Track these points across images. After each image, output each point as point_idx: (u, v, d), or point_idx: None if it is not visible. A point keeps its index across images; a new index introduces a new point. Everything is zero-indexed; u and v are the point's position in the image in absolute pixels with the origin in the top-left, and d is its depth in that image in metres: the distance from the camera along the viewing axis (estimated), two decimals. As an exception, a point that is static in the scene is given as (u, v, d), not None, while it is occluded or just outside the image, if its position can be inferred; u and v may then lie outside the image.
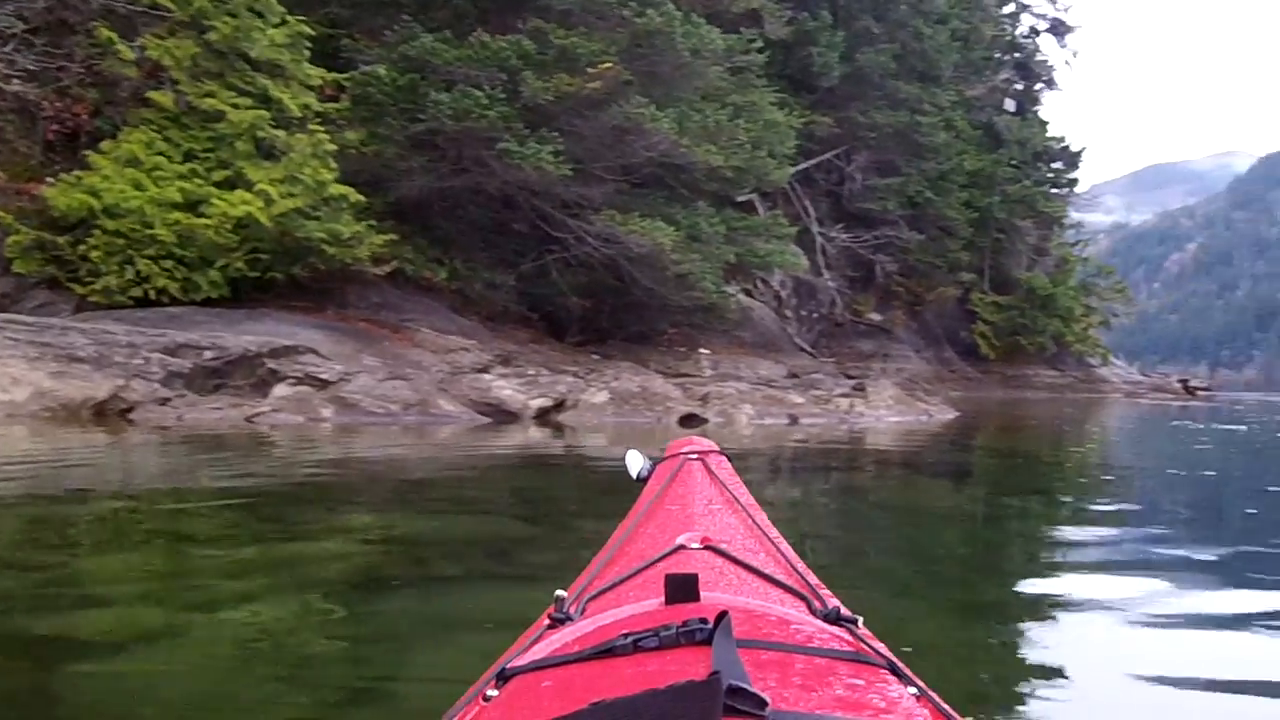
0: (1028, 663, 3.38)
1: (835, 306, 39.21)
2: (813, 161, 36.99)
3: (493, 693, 1.15)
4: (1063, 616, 4.03)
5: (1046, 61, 54.28)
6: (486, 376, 14.76)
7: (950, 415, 19.83)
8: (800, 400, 16.75)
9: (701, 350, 26.36)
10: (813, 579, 1.64)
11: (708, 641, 1.09)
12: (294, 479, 7.72)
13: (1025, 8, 53.98)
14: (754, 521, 1.98)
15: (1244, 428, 20.79)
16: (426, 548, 5.07)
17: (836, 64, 35.14)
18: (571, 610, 1.43)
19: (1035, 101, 54.54)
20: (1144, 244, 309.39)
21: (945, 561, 5.33)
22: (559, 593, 1.47)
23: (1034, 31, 54.13)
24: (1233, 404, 43.34)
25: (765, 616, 1.32)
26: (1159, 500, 8.51)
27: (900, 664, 1.17)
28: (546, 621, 1.41)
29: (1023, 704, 2.90)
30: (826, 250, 38.38)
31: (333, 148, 17.94)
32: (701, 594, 1.34)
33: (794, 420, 15.88)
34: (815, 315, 38.78)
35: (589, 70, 19.78)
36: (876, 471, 10.00)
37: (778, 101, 29.34)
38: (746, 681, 0.90)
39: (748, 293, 33.05)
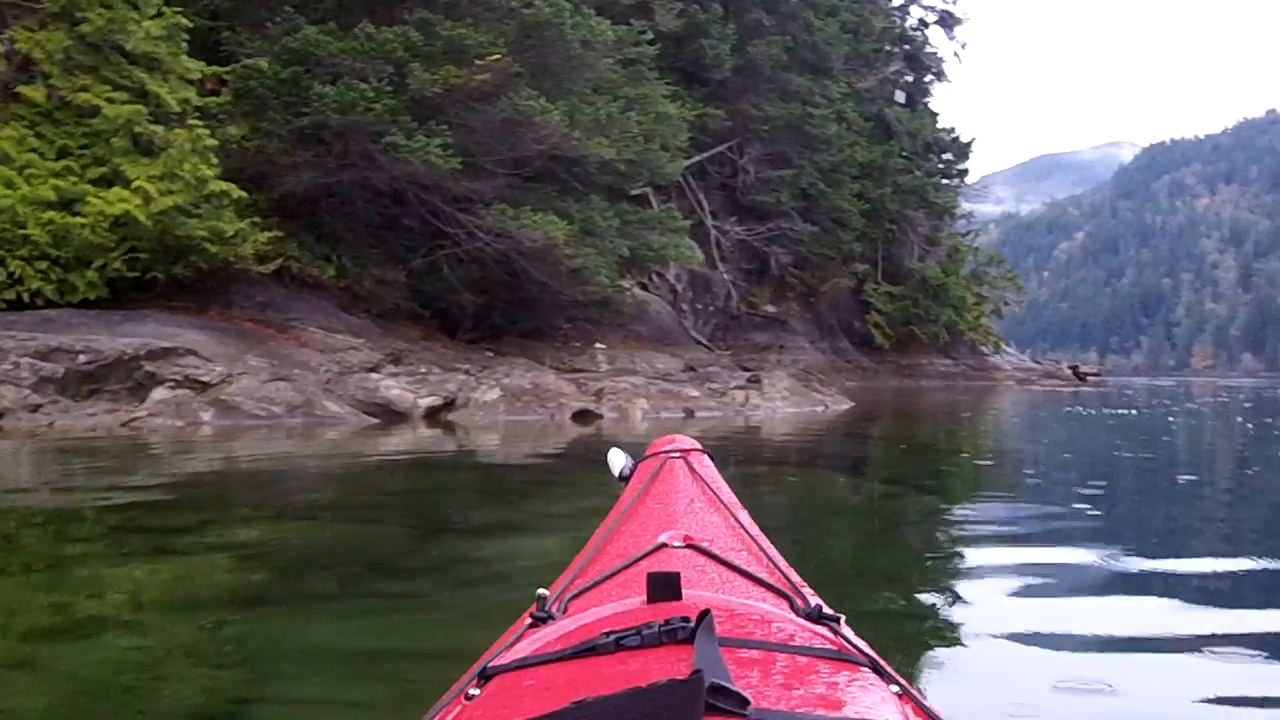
0: (927, 640, 3.50)
1: (731, 299, 39.29)
2: (706, 154, 37.01)
3: (475, 691, 1.14)
4: (962, 594, 4.23)
5: (936, 53, 55.19)
6: (375, 376, 14.40)
7: (845, 406, 19.88)
8: (696, 394, 16.63)
9: (597, 345, 26.16)
10: (795, 577, 1.64)
11: (690, 640, 1.09)
12: (167, 489, 7.35)
13: (914, 0, 54.70)
14: (736, 520, 1.98)
15: (1134, 412, 21.15)
16: (303, 563, 4.79)
17: (728, 56, 35.14)
18: (553, 609, 1.43)
19: (925, 93, 55.32)
20: (1033, 233, 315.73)
21: (836, 560, 5.18)
22: (540, 591, 1.46)
23: (923, 24, 54.96)
24: (1122, 389, 44.19)
25: (747, 615, 1.32)
26: (1053, 485, 8.64)
27: (882, 662, 1.18)
28: (528, 620, 1.42)
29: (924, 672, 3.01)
30: (721, 243, 38.47)
31: (214, 143, 17.38)
32: (684, 592, 1.34)
33: (690, 414, 15.73)
34: (711, 308, 38.83)
35: (477, 62, 19.46)
36: (772, 465, 9.86)
37: (670, 94, 29.26)
38: (729, 680, 0.91)
39: (643, 287, 32.94)
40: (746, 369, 27.11)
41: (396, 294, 22.30)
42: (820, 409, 18.52)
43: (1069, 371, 57.85)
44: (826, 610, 1.38)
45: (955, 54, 74.32)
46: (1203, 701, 2.86)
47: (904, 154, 47.84)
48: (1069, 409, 23.52)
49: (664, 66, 31.49)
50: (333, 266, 20.85)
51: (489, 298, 23.80)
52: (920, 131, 49.88)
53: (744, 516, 2.06)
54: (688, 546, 1.69)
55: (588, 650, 1.15)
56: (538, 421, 13.89)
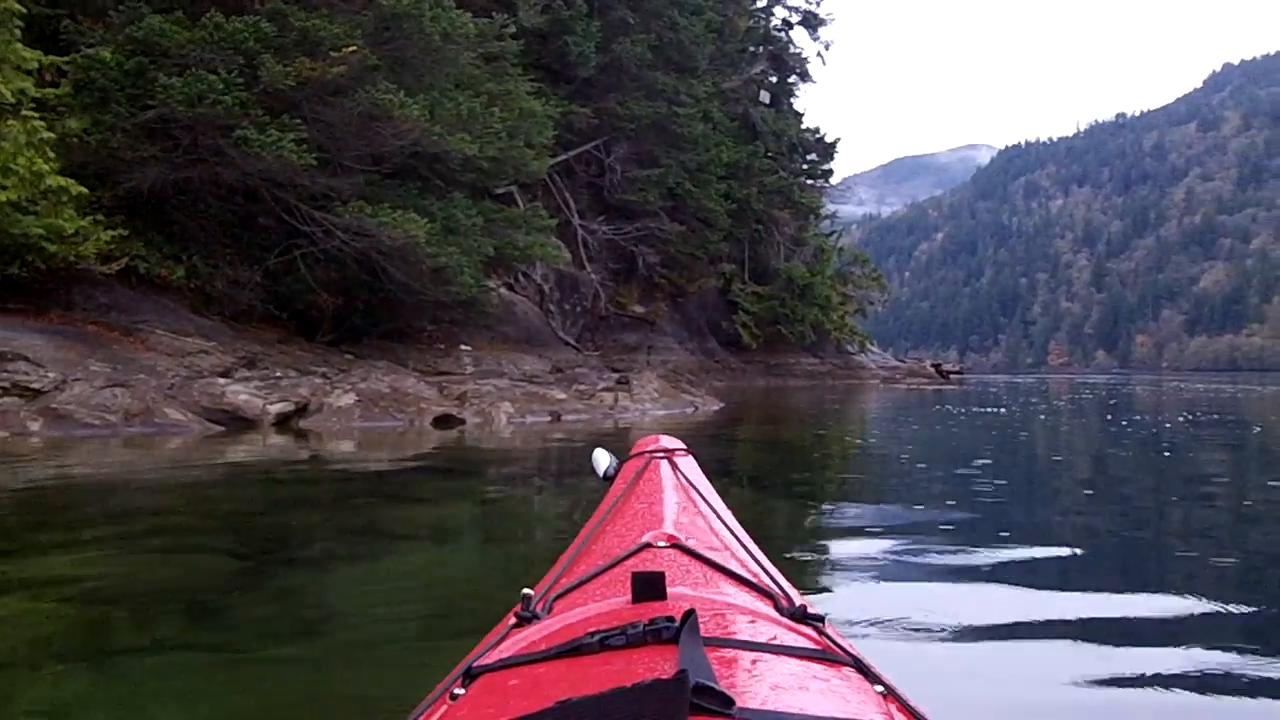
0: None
1: (599, 299, 38.87)
2: (572, 153, 36.56)
3: (460, 691, 1.14)
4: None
5: (800, 54, 55.41)
6: (222, 381, 13.62)
7: (714, 407, 19.61)
8: (562, 396, 16.15)
9: (463, 347, 25.59)
10: (780, 577, 1.63)
11: (675, 640, 1.09)
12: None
13: (778, 1, 54.88)
14: (721, 520, 2.01)
15: (1002, 411, 21.26)
16: (114, 605, 4.04)
17: (593, 54, 34.73)
18: (538, 608, 1.42)
19: (790, 94, 55.55)
20: (894, 234, 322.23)
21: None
22: (526, 591, 1.46)
23: (787, 24, 55.17)
24: (985, 387, 44.96)
25: (732, 615, 1.32)
26: (931, 485, 8.41)
27: (867, 662, 1.19)
28: (513, 620, 1.41)
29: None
30: (588, 243, 38.04)
31: (52, 136, 16.34)
32: (668, 592, 1.34)
33: (556, 417, 15.27)
34: (579, 309, 38.39)
35: (332, 54, 18.72)
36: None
37: (534, 91, 28.78)
38: (713, 680, 0.92)
39: (509, 287, 32.43)
40: (615, 370, 26.78)
41: (251, 295, 21.39)
42: (690, 410, 18.20)
43: (932, 369, 58.81)
44: (811, 610, 1.39)
45: (819, 55, 75.11)
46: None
47: (769, 154, 48.09)
48: (937, 408, 23.62)
49: (528, 63, 30.98)
50: (182, 267, 19.87)
51: (349, 299, 23.04)
52: (785, 132, 50.14)
53: (728, 516, 2.10)
54: (672, 546, 1.69)
55: (572, 650, 1.15)
56: (396, 428, 13.25)
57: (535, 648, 1.22)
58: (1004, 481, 8.71)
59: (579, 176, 38.75)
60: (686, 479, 2.33)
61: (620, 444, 13.05)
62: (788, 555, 4.95)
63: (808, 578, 4.41)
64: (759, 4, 54.09)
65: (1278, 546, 5.84)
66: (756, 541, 1.88)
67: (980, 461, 10.32)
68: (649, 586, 1.34)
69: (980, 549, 5.14)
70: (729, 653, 1.13)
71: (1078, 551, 5.34)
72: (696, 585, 1.49)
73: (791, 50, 54.76)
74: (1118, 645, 3.48)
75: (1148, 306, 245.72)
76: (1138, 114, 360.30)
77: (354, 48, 18.90)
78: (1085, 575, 4.79)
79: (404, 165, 22.18)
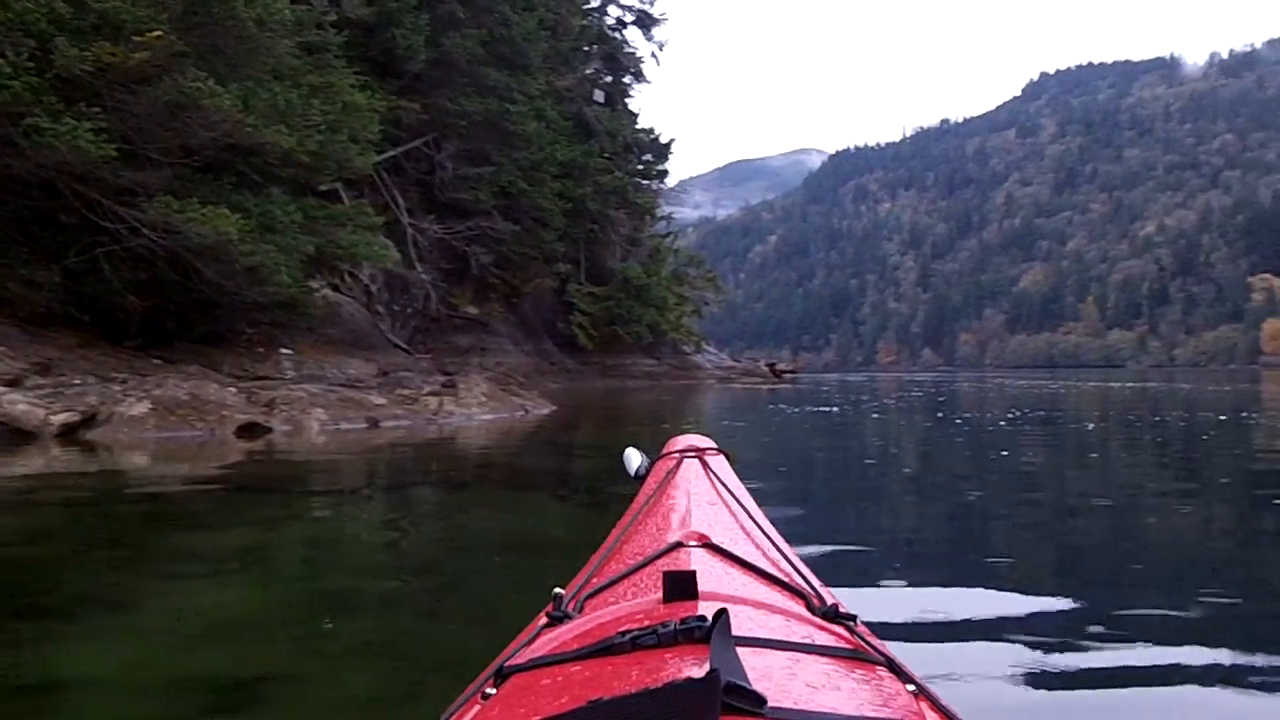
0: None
1: (430, 300, 37.73)
2: (401, 149, 35.45)
3: (491, 691, 1.15)
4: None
5: (634, 53, 55.06)
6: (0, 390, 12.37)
7: (546, 410, 18.87)
8: (382, 401, 15.21)
9: (283, 350, 24.35)
10: (811, 576, 1.62)
11: (706, 639, 1.08)
12: None
13: (612, 0, 54.46)
14: (752, 519, 2.00)
15: (835, 410, 21.04)
16: None
17: (422, 48, 33.74)
18: (569, 608, 1.44)
19: (624, 93, 55.26)
20: (729, 236, 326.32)
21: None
22: (557, 590, 1.47)
23: (621, 24, 54.86)
24: (818, 386, 45.34)
25: (764, 614, 1.32)
26: (769, 487, 7.87)
27: (899, 661, 1.19)
28: (544, 619, 1.42)
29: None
30: (419, 242, 36.91)
31: None
32: (700, 591, 1.35)
33: (374, 424, 14.32)
34: (409, 310, 37.25)
35: (135, 39, 17.46)
36: (476, 482, 8.70)
37: (360, 84, 27.76)
38: (745, 679, 0.91)
39: (335, 287, 31.19)
40: (447, 373, 25.84)
41: (49, 297, 19.83)
42: (520, 414, 17.42)
43: (767, 369, 59.28)
44: (843, 609, 1.39)
45: (653, 54, 74.33)
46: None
47: (604, 154, 47.65)
48: (771, 406, 23.34)
49: (354, 56, 29.96)
50: (-31, 266, 18.37)
51: (159, 300, 21.60)
52: (620, 131, 49.78)
53: (759, 515, 2.09)
54: (703, 546, 1.69)
55: (604, 649, 1.15)
56: (196, 438, 12.14)
57: (566, 647, 1.22)
58: (839, 480, 8.29)
59: (408, 174, 37.59)
60: (717, 478, 2.35)
61: (444, 450, 12.32)
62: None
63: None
64: (593, 3, 53.65)
65: (1098, 538, 5.94)
66: (789, 541, 1.86)
67: (817, 460, 9.87)
68: (680, 586, 1.34)
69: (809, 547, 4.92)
70: (761, 652, 1.12)
71: (903, 545, 5.53)
72: (728, 585, 1.48)
73: (626, 50, 54.48)
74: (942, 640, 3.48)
75: (971, 306, 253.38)
76: (961, 120, 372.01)
77: (159, 33, 17.66)
78: (912, 569, 4.84)
79: (217, 159, 20.90)
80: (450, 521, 6.53)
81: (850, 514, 6.94)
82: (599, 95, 50.13)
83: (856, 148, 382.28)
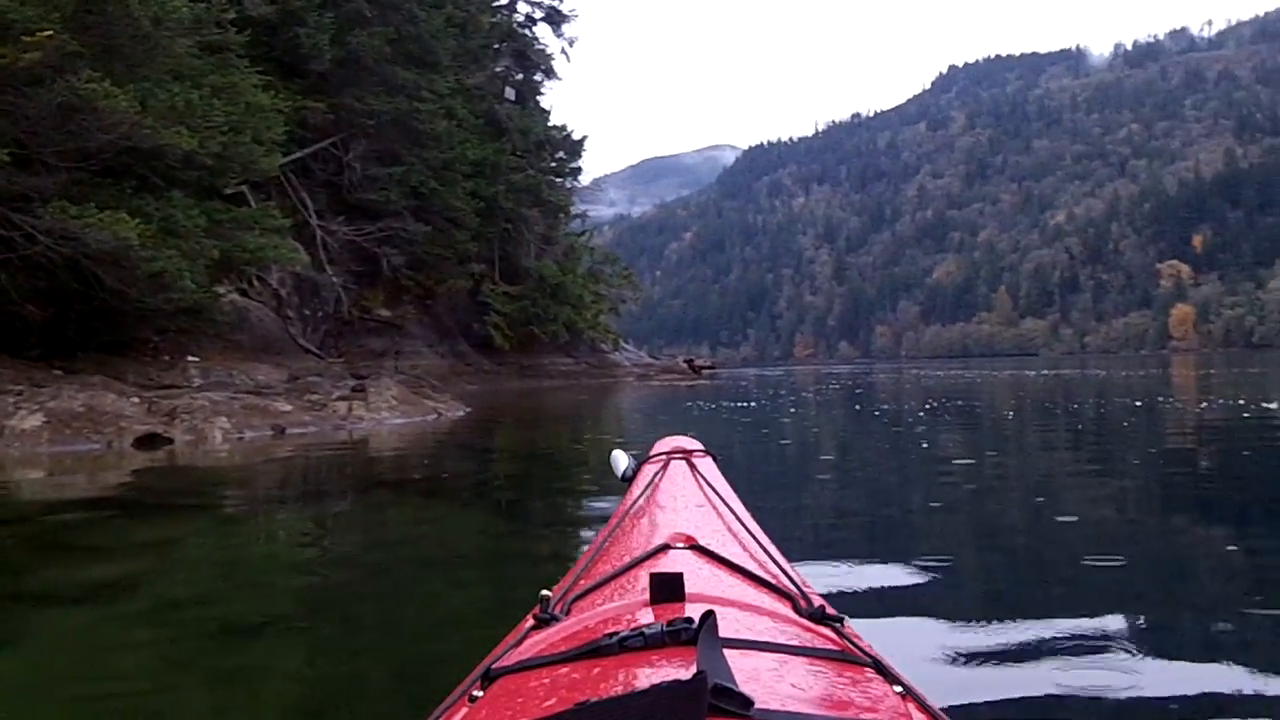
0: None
1: (342, 303, 37.07)
2: (308, 150, 34.85)
3: (478, 693, 1.14)
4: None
5: (544, 50, 54.59)
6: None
7: (460, 412, 18.54)
8: (288, 408, 14.78)
9: (190, 358, 23.81)
10: (798, 578, 1.61)
11: (693, 641, 1.09)
12: None
13: (521, -4, 53.94)
14: (739, 520, 1.98)
15: (752, 404, 20.94)
16: None
17: (327, 47, 33.17)
18: (557, 610, 1.43)
19: (536, 91, 54.77)
20: (645, 234, 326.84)
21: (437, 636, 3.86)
22: (544, 592, 1.47)
23: (530, 20, 54.25)
24: (736, 381, 45.28)
25: (751, 616, 1.33)
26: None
27: (886, 662, 1.20)
28: (531, 621, 1.42)
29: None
30: (328, 244, 36.27)
31: None
32: (687, 593, 1.36)
33: (280, 431, 13.91)
34: (321, 314, 36.60)
35: (25, 39, 16.89)
36: (360, 492, 8.40)
37: (264, 84, 27.20)
38: (732, 681, 0.92)
39: (243, 293, 30.59)
40: (360, 377, 25.40)
41: (-58, 308, 19.25)
42: (433, 418, 17.05)
43: (685, 365, 59.14)
44: (829, 611, 1.40)
45: (563, 51, 73.87)
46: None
47: (517, 152, 47.14)
48: (690, 404, 23.20)
49: (257, 55, 29.33)
50: None
51: (59, 309, 21.00)
52: (532, 129, 49.30)
53: (746, 517, 2.08)
54: (690, 547, 1.71)
55: (591, 651, 1.15)
56: (93, 451, 11.66)
57: (554, 649, 1.22)
58: (761, 475, 8.13)
59: (316, 175, 36.92)
60: (704, 479, 2.36)
61: (351, 457, 12.01)
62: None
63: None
64: (501, 0, 53.10)
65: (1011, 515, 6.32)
66: (775, 543, 1.85)
67: (738, 458, 9.71)
68: (667, 588, 1.35)
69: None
70: (748, 654, 1.13)
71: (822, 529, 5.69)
72: (715, 586, 1.48)
73: (536, 47, 53.97)
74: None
75: (886, 298, 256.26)
76: (872, 114, 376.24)
77: (50, 33, 17.09)
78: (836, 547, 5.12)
79: (117, 162, 20.35)
80: (355, 537, 6.26)
81: (776, 506, 6.73)
82: (510, 93, 49.58)
83: (769, 143, 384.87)
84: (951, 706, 2.07)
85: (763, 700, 0.92)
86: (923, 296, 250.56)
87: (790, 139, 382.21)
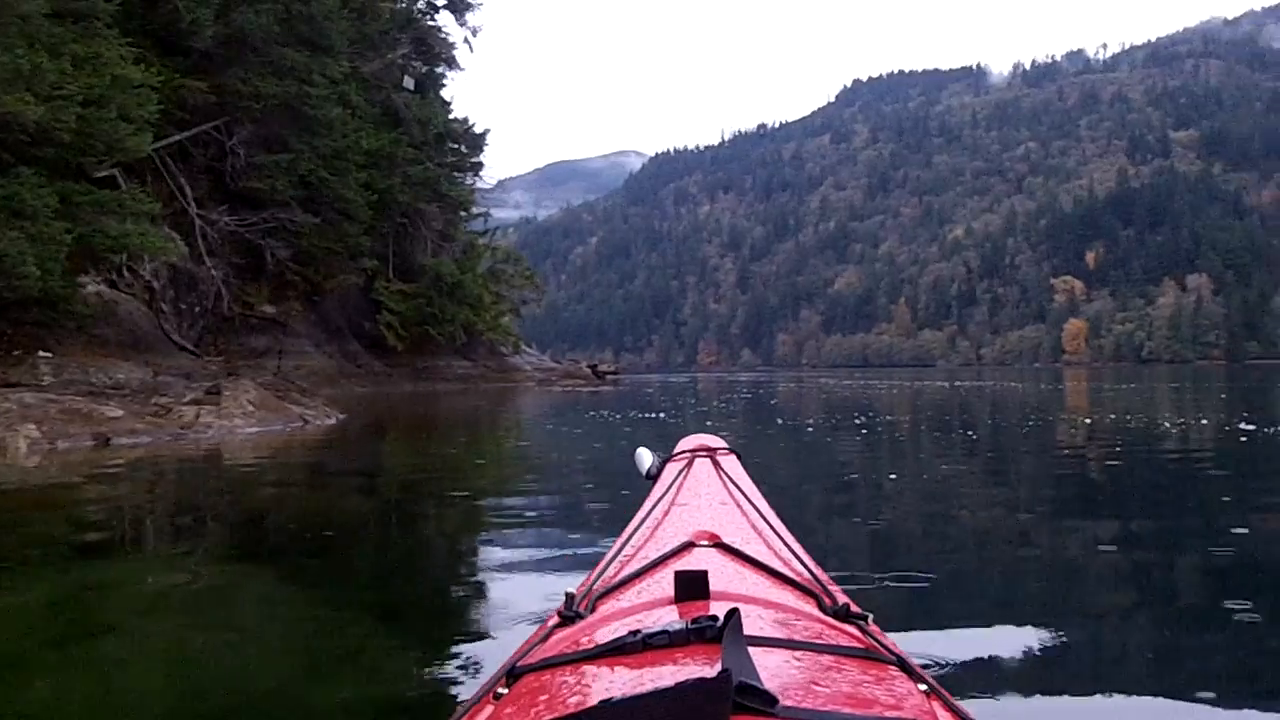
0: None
1: (221, 298, 34.68)
2: (188, 133, 32.55)
3: (503, 690, 1.15)
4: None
5: (447, 38, 52.33)
6: None
7: (333, 420, 16.55)
8: (119, 413, 12.67)
9: (42, 353, 21.56)
10: (823, 576, 1.66)
11: (718, 639, 1.10)
12: None
13: (422, -18, 51.69)
14: (764, 519, 2.02)
15: (662, 416, 19.30)
16: None
17: (210, 22, 30.92)
18: (581, 607, 1.44)
19: (437, 82, 52.70)
20: (550, 237, 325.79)
21: None
22: (569, 590, 1.48)
23: (432, 7, 51.86)
24: (640, 387, 44.17)
25: (775, 614, 1.33)
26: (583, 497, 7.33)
27: (910, 661, 1.20)
28: (556, 619, 1.42)
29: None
30: (208, 235, 33.91)
31: None
32: (711, 591, 1.37)
33: (104, 441, 11.81)
34: (198, 309, 34.29)
35: None
36: (135, 538, 6.47)
37: (136, 58, 25.13)
38: (756, 679, 0.92)
39: (111, 284, 28.26)
40: (234, 374, 23.31)
41: None
42: (298, 426, 15.01)
43: (589, 370, 57.98)
44: (854, 609, 1.40)
45: (466, 40, 71.05)
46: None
47: (415, 144, 45.01)
48: (592, 413, 21.53)
49: (133, 28, 27.19)
50: None
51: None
52: (431, 120, 47.12)
53: (771, 515, 2.07)
54: (715, 545, 1.72)
55: (615, 649, 1.15)
56: None
57: (578, 647, 1.22)
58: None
59: (196, 160, 34.49)
60: (729, 477, 2.39)
61: (205, 467, 10.17)
62: None
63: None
64: (401, -15, 50.83)
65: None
66: (800, 540, 1.86)
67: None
68: (692, 585, 1.36)
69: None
70: (772, 652, 1.13)
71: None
72: (739, 584, 1.49)
73: (438, 35, 51.68)
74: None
75: (788, 307, 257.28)
76: (777, 125, 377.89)
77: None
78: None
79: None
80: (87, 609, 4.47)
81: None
82: (409, 82, 47.23)
83: (676, 150, 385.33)
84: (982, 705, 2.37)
85: (787, 698, 0.92)
86: (824, 306, 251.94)
87: (697, 147, 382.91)
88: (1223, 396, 26.31)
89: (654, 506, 2.14)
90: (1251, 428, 13.52)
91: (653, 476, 2.69)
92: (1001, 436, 13.72)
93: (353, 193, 38.36)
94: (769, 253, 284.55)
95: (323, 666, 3.34)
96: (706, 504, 2.14)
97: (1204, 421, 15.52)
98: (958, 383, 47.34)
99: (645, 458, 2.90)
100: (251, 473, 9.99)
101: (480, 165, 52.58)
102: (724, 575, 1.50)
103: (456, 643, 3.49)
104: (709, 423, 17.55)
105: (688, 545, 1.70)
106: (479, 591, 4.55)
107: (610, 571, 1.68)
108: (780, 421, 17.40)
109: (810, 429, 14.96)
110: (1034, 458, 10.71)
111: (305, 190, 36.59)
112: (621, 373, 71.39)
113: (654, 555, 1.67)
